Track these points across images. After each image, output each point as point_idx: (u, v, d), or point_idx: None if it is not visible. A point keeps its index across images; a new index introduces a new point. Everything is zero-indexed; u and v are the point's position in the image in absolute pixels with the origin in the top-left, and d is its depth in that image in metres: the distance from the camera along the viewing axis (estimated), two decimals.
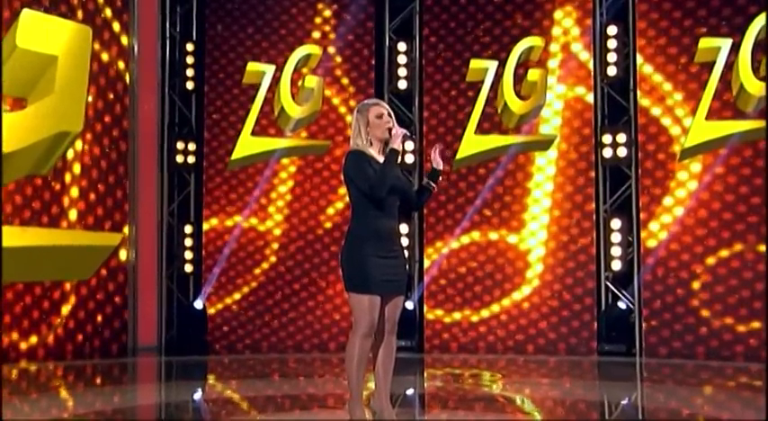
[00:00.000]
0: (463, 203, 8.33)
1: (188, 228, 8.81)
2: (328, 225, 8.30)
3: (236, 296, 8.46)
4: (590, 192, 8.13)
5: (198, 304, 8.61)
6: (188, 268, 8.79)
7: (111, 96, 8.08)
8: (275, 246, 8.41)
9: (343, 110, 8.51)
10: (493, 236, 8.23)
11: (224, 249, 8.50)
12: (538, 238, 8.20)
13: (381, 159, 4.04)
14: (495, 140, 8.20)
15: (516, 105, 8.22)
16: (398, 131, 4.08)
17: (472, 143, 8.28)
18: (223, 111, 8.74)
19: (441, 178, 5.14)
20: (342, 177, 4.06)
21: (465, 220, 8.14)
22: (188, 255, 8.79)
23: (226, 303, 8.58)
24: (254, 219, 8.55)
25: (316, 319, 8.32)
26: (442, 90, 8.50)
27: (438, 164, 4.21)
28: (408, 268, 7.20)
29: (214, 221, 8.58)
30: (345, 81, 8.49)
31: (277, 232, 8.51)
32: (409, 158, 8.46)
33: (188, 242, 8.79)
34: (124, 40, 8.25)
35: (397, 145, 4.03)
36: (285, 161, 8.56)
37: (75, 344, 7.88)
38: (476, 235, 8.24)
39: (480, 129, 8.28)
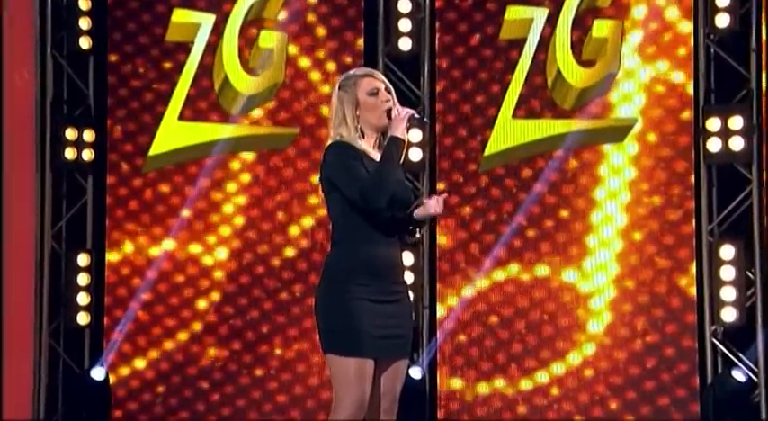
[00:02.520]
0: (496, 221, 7.72)
1: (83, 259, 8.06)
2: (290, 252, 7.77)
3: (154, 354, 7.95)
4: (688, 206, 7.50)
5: (97, 373, 7.99)
6: (82, 319, 8.05)
7: None
8: (216, 281, 7.98)
9: (315, 76, 7.88)
10: (540, 270, 7.76)
11: (139, 291, 8.02)
12: (608, 274, 7.64)
13: (377, 156, 3.79)
14: (544, 127, 7.61)
15: (576, 75, 7.59)
16: (402, 113, 3.80)
17: (510, 131, 7.65)
18: (135, 85, 8.18)
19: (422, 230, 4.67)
20: (317, 181, 3.85)
21: (499, 246, 7.71)
22: (82, 299, 8.04)
23: (137, 368, 8.05)
24: (184, 244, 8.08)
25: (281, 388, 7.87)
26: (467, 49, 7.70)
27: (430, 210, 3.87)
28: (414, 318, 6.49)
29: (126, 248, 8.10)
30: (322, 32, 7.83)
31: (213, 260, 8.04)
32: (414, 155, 7.47)
33: (82, 279, 8.06)
34: None
35: (400, 132, 3.77)
36: (233, 161, 8.03)
37: None
38: (514, 269, 7.74)
39: (523, 110, 7.66)
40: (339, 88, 3.91)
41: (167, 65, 8.02)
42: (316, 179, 4.18)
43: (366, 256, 3.80)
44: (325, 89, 7.72)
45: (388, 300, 3.82)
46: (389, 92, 3.89)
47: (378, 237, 3.80)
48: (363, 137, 3.89)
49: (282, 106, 7.96)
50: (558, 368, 7.50)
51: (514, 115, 7.57)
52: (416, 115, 3.87)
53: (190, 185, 7.97)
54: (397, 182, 3.85)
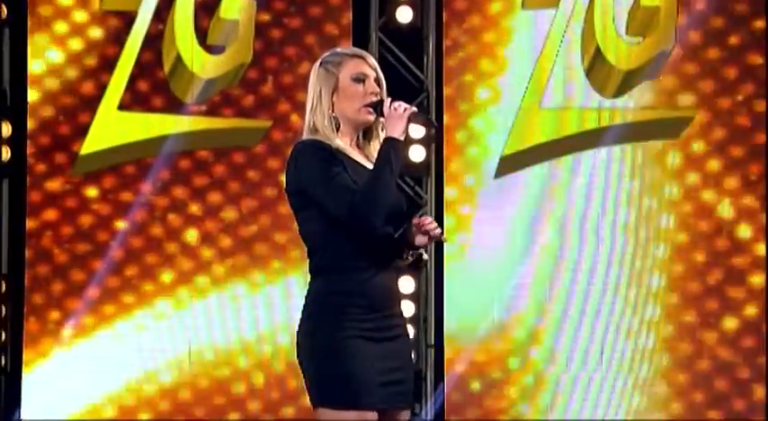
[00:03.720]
0: (514, 231, 7.02)
1: None
2: (259, 286, 7.09)
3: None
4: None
5: None
6: None
7: None
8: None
9: (290, 52, 7.20)
10: None
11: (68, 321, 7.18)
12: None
13: (359, 157, 3.54)
14: (578, 117, 6.96)
15: (620, 51, 6.95)
16: (401, 108, 3.49)
17: (535, 122, 6.98)
18: (60, 64, 7.34)
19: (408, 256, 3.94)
20: (286, 191, 3.56)
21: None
22: None
23: None
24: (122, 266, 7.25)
25: None
26: (484, 19, 6.97)
27: (420, 242, 3.60)
28: (415, 359, 6.86)
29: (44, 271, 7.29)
30: None
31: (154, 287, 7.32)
32: (416, 154, 6.88)
33: None
34: None
35: (398, 133, 3.47)
36: (186, 161, 7.25)
37: None
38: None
39: (554, 97, 6.98)
40: (320, 65, 3.66)
41: (101, 38, 7.12)
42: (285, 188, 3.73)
43: (359, 285, 3.58)
44: (304, 69, 6.87)
45: (386, 337, 3.60)
46: (380, 84, 3.62)
47: (371, 261, 3.58)
48: (343, 133, 3.62)
49: (250, 92, 7.17)
50: None
51: (542, 105, 6.80)
52: (417, 112, 3.57)
53: (127, 191, 7.11)
54: (396, 195, 3.62)
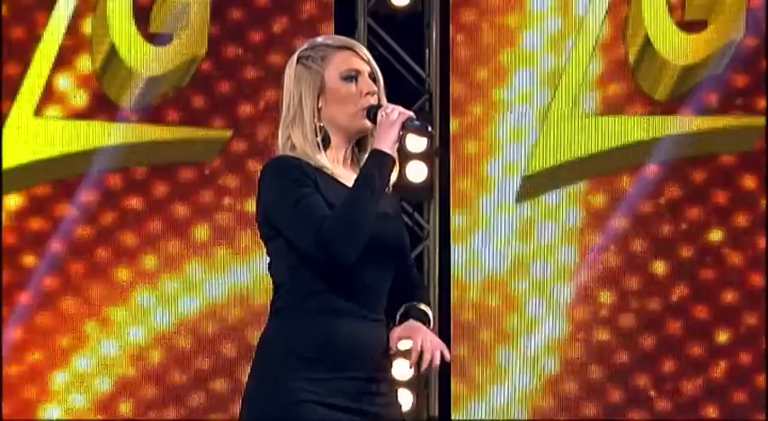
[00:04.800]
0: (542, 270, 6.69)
1: None
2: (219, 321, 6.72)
3: None
4: None
5: None
6: None
7: None
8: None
9: (256, 38, 6.68)
10: None
11: None
12: None
13: (348, 177, 3.29)
14: (622, 126, 6.43)
15: (676, 42, 6.43)
16: (392, 114, 3.22)
17: (567, 131, 6.48)
18: None
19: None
20: (256, 217, 3.30)
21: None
22: None
23: None
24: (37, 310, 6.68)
25: None
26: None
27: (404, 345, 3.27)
28: None
29: None
30: None
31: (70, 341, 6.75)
32: (415, 173, 6.40)
33: None
34: None
35: (388, 145, 3.23)
36: (120, 179, 6.71)
37: None
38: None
39: (592, 100, 6.50)
40: (297, 62, 3.34)
41: (15, 29, 6.48)
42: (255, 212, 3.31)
43: (321, 332, 3.22)
44: (274, 61, 6.28)
45: (359, 409, 3.18)
46: (375, 81, 3.30)
47: (342, 305, 3.24)
48: (327, 147, 3.30)
49: (204, 93, 6.49)
50: None
51: (575, 109, 6.22)
52: (413, 117, 3.23)
53: (41, 218, 6.40)
54: (382, 220, 3.26)
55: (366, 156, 3.28)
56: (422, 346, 3.16)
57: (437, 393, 6.29)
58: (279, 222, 3.25)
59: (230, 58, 6.41)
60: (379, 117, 3.25)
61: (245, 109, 6.42)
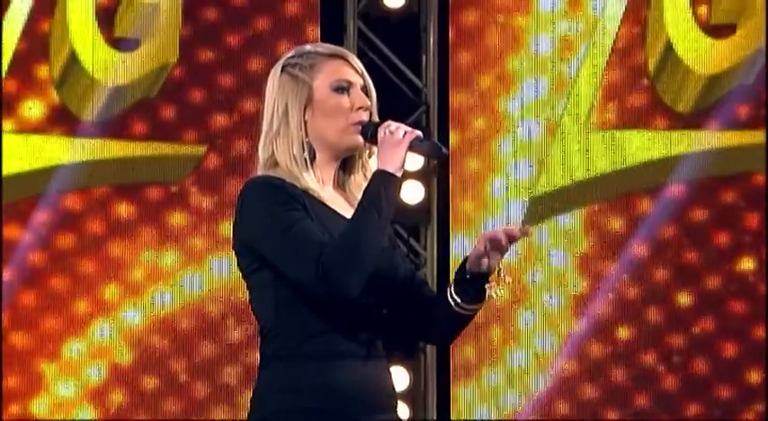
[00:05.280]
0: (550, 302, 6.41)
1: None
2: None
3: None
4: None
5: None
6: None
7: None
8: None
9: (233, 41, 6.41)
10: None
11: None
12: None
13: (339, 204, 3.12)
14: (641, 141, 6.15)
15: (701, 48, 6.19)
16: (399, 132, 3.03)
17: (580, 147, 6.20)
18: None
19: (495, 292, 2.97)
20: (233, 245, 3.07)
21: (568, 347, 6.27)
22: None
23: None
24: None
25: None
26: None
27: (495, 261, 2.93)
28: None
29: None
30: None
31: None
32: (411, 194, 6.25)
33: None
34: None
35: (393, 165, 3.03)
36: (81, 201, 6.37)
37: None
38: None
39: (608, 112, 6.17)
40: (282, 70, 3.07)
41: None
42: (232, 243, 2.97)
43: (323, 382, 2.97)
44: (253, 67, 5.98)
45: None
46: (368, 95, 3.05)
47: (344, 347, 3.00)
48: (315, 167, 3.02)
49: (175, 104, 6.19)
50: None
51: (590, 125, 5.94)
52: (422, 138, 2.93)
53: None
54: (386, 251, 3.01)
55: (353, 177, 3.06)
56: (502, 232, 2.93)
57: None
58: (266, 250, 3.04)
59: (204, 64, 6.09)
60: (380, 135, 3.02)
61: (220, 120, 6.12)
